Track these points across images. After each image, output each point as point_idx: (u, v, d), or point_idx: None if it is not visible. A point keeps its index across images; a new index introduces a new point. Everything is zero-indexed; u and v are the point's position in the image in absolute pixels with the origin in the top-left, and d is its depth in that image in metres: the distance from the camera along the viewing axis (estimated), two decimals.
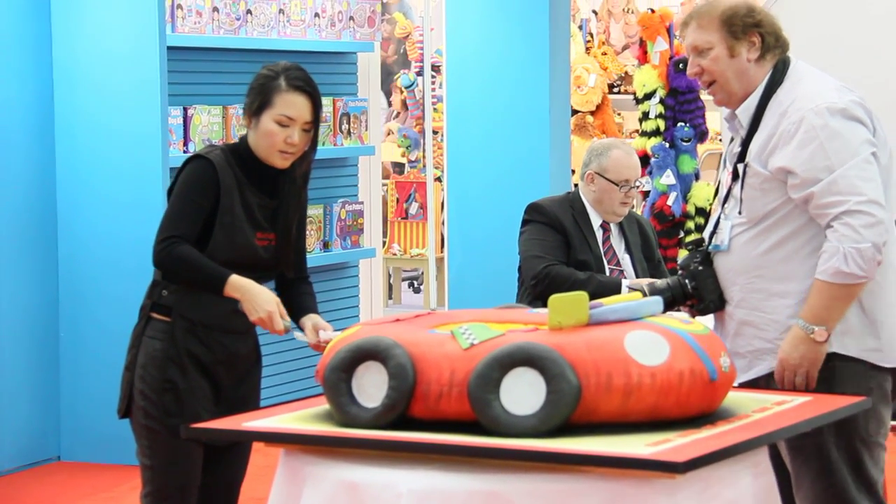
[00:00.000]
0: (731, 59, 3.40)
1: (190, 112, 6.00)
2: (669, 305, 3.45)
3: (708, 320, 3.53)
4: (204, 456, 3.61)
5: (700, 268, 3.44)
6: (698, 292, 3.44)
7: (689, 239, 7.80)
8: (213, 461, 3.64)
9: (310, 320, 3.58)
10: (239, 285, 3.46)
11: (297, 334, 3.52)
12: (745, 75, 3.41)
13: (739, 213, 3.40)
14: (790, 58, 3.45)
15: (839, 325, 3.32)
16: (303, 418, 2.93)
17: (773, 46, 3.42)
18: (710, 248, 3.46)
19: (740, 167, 3.40)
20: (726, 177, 3.48)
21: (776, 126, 3.35)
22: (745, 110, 3.43)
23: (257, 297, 3.45)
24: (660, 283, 3.50)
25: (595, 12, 11.37)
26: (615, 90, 10.67)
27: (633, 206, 5.08)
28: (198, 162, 3.53)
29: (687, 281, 3.45)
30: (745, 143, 3.41)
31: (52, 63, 5.95)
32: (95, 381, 5.83)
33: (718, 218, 3.47)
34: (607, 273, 4.88)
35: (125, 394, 3.59)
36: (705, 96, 8.48)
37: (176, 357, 3.53)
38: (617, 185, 4.89)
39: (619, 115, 10.70)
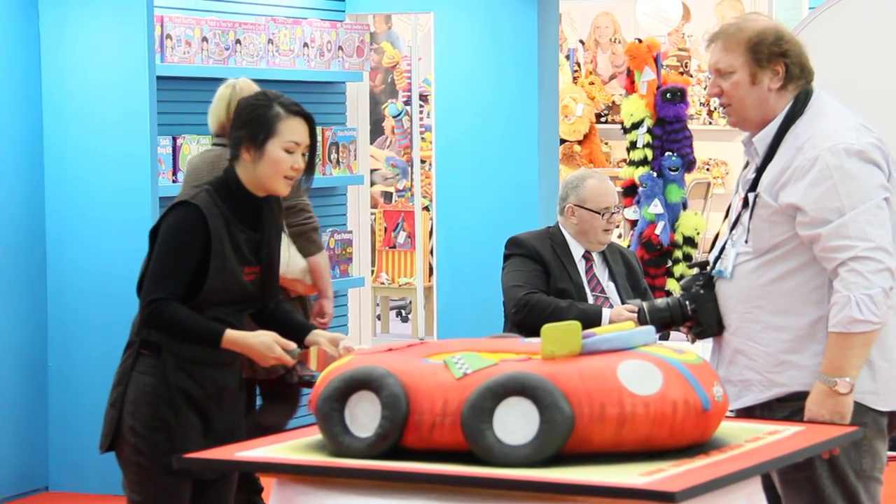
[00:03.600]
0: (752, 87, 3.35)
1: (179, 141, 6.00)
2: (667, 326, 3.45)
3: (707, 344, 3.52)
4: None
5: (702, 291, 3.42)
6: (697, 315, 3.42)
7: (677, 268, 7.82)
8: (199, 495, 3.62)
9: (321, 336, 3.56)
10: (235, 340, 3.48)
11: (300, 370, 3.51)
12: (765, 104, 3.36)
13: (746, 241, 3.36)
14: (814, 88, 3.41)
15: None
16: (296, 448, 2.92)
17: (796, 77, 3.36)
18: (714, 272, 3.43)
19: (751, 196, 3.37)
20: (737, 202, 3.45)
21: (791, 160, 3.31)
22: (763, 139, 3.39)
23: (257, 346, 3.47)
24: (660, 302, 3.48)
25: (582, 42, 11.42)
26: (603, 120, 10.71)
27: (618, 230, 5.13)
28: (184, 209, 3.50)
29: (687, 302, 3.43)
30: (759, 172, 3.38)
31: (41, 92, 5.95)
32: (84, 411, 5.81)
33: (725, 243, 3.44)
34: (591, 302, 4.92)
35: (109, 430, 3.57)
36: (693, 126, 8.52)
37: (167, 394, 3.52)
38: (598, 213, 4.95)
39: (606, 144, 10.74)
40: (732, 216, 3.45)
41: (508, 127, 7.01)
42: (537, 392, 2.70)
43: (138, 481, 3.54)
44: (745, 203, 3.39)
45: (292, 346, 3.48)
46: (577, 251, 5.01)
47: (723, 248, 3.43)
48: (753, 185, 3.37)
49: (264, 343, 3.46)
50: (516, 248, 5.01)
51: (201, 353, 3.53)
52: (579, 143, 10.45)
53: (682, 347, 2.99)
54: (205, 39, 6.13)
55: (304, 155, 3.56)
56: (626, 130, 7.94)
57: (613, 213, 4.98)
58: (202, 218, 3.48)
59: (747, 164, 3.49)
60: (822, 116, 3.36)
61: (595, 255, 5.06)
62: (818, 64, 3.47)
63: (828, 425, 3.17)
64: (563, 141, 10.18)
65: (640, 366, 2.77)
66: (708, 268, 3.46)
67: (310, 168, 3.58)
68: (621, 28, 11.35)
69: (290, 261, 4.92)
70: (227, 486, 3.69)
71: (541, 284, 4.91)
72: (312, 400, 2.91)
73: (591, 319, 4.61)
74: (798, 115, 3.35)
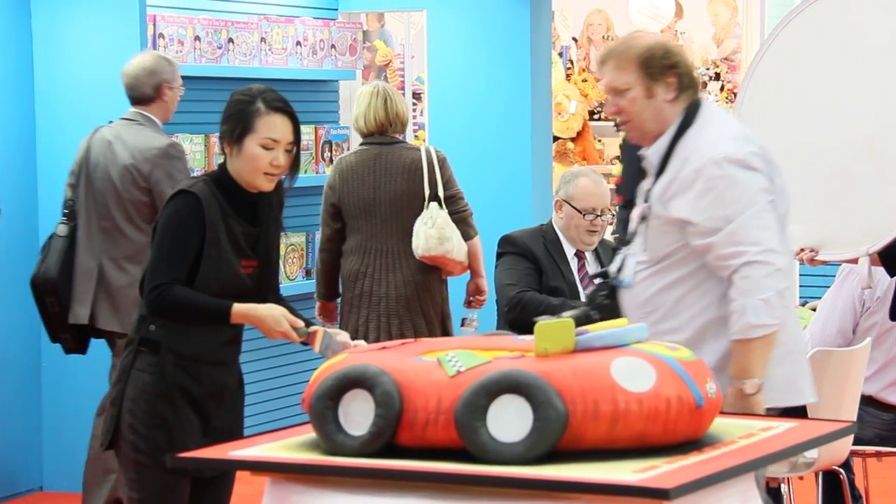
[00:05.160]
0: (648, 100, 3.46)
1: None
2: None
3: None
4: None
5: (606, 301, 3.54)
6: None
7: None
8: (198, 492, 3.62)
9: (338, 335, 3.55)
10: (244, 312, 3.48)
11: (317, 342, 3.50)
12: (661, 115, 3.47)
13: (644, 250, 3.49)
14: (701, 99, 3.52)
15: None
16: (289, 447, 2.92)
17: (687, 87, 3.47)
18: (616, 282, 3.54)
19: (646, 207, 3.48)
20: (636, 213, 3.55)
21: (678, 171, 3.43)
22: (656, 151, 3.50)
23: (266, 319, 3.47)
24: (567, 314, 3.55)
25: (575, 39, 11.42)
26: (596, 117, 10.70)
27: (611, 227, 5.13)
28: (182, 198, 3.52)
29: (593, 313, 3.53)
30: (654, 183, 3.48)
31: (34, 91, 5.94)
32: (78, 411, 5.80)
33: (626, 254, 3.54)
34: (583, 299, 4.92)
35: (110, 427, 3.57)
36: None
37: (166, 392, 3.52)
38: (581, 213, 4.93)
39: (599, 141, 10.74)
40: (633, 227, 3.54)
41: (501, 124, 7.00)
42: (531, 389, 2.70)
43: (137, 479, 3.54)
44: (643, 214, 3.49)
45: (300, 324, 3.50)
46: (569, 249, 5.01)
47: (624, 259, 3.53)
48: (648, 196, 3.47)
49: (273, 316, 3.47)
50: (509, 247, 5.01)
51: (202, 350, 3.54)
52: (573, 140, 10.45)
53: (675, 344, 2.99)
54: (197, 38, 6.13)
55: (288, 152, 3.55)
56: (618, 127, 7.94)
57: (599, 216, 4.95)
58: (199, 206, 3.49)
59: (646, 175, 3.56)
60: (707, 127, 3.46)
61: (587, 254, 5.06)
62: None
63: (822, 421, 3.18)
64: (556, 138, 10.18)
65: (633, 363, 2.77)
66: (610, 278, 3.55)
67: (294, 166, 3.57)
68: (614, 25, 11.34)
69: (459, 244, 5.27)
70: (225, 484, 3.69)
71: (533, 283, 4.91)
72: (306, 398, 2.90)
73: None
74: (688, 126, 3.46)
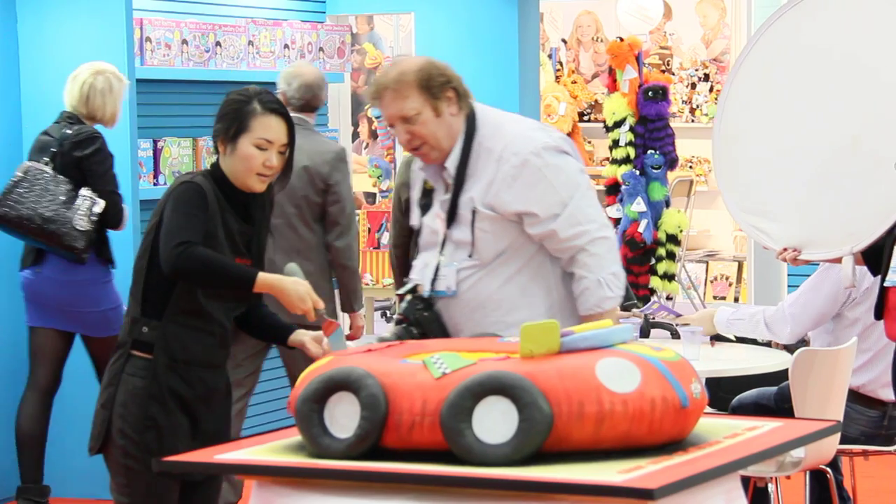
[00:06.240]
0: (438, 119, 3.55)
1: (160, 144, 6.00)
2: None
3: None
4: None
5: (425, 314, 3.61)
6: (426, 337, 3.57)
7: (660, 266, 7.82)
8: (187, 495, 3.62)
9: (305, 335, 3.58)
10: (269, 282, 3.48)
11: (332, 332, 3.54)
12: (452, 129, 3.58)
13: (470, 256, 3.57)
14: (473, 105, 3.62)
15: None
16: (275, 450, 2.92)
17: (464, 96, 3.59)
18: (433, 294, 3.62)
19: (466, 214, 3.56)
20: (438, 224, 3.63)
21: (496, 171, 3.54)
22: (453, 161, 3.59)
23: (291, 292, 3.48)
24: (387, 335, 3.61)
25: (564, 41, 11.43)
26: (585, 118, 10.72)
27: None
28: (189, 185, 3.52)
29: (412, 328, 3.60)
30: (457, 192, 3.58)
31: (20, 95, 5.93)
32: (66, 416, 5.80)
33: (437, 265, 3.61)
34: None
35: (100, 431, 3.57)
36: (675, 124, 8.53)
37: (158, 394, 3.52)
38: None
39: (589, 143, 10.75)
40: (434, 238, 3.63)
41: None
42: (516, 391, 2.70)
43: (127, 484, 3.54)
44: (450, 222, 3.58)
45: (321, 305, 3.51)
46: None
47: (437, 271, 3.60)
48: (453, 206, 3.57)
49: (298, 292, 3.48)
50: None
51: (194, 353, 3.54)
52: None
53: (661, 345, 3.00)
54: (185, 42, 6.13)
55: (281, 154, 3.56)
56: (608, 129, 7.95)
57: None
58: (204, 195, 3.50)
59: (432, 190, 3.65)
60: (504, 125, 3.61)
61: None
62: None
63: (807, 420, 3.18)
64: None
65: (618, 363, 2.77)
66: (420, 292, 3.63)
67: (287, 168, 3.59)
68: (603, 27, 11.36)
69: None
70: (213, 486, 3.69)
71: None
72: (291, 401, 2.90)
73: None
74: (475, 132, 3.58)
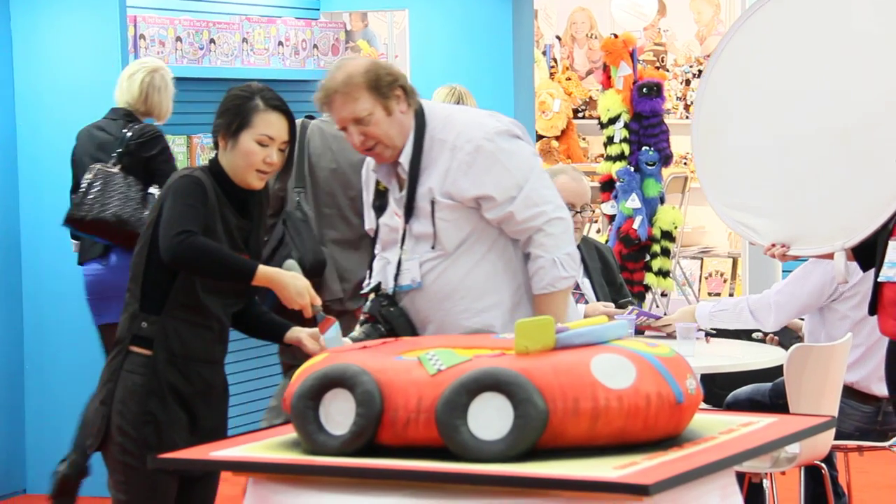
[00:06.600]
0: (390, 118, 3.60)
1: None
2: None
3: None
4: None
5: (391, 309, 3.66)
6: (394, 333, 3.61)
7: (655, 262, 7.83)
8: (184, 492, 3.62)
9: (301, 332, 3.58)
10: (269, 276, 3.49)
11: (326, 327, 3.55)
12: (403, 127, 3.63)
13: (432, 248, 3.63)
14: (420, 101, 3.67)
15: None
16: (270, 447, 2.92)
17: (411, 93, 3.65)
18: (398, 289, 3.66)
19: (425, 206, 3.60)
20: (397, 221, 3.67)
21: (450, 160, 3.60)
22: (406, 156, 3.63)
23: (290, 287, 3.49)
24: (355, 334, 3.64)
25: (559, 38, 11.43)
26: (580, 115, 10.72)
27: (596, 225, 5.12)
28: (188, 178, 3.53)
29: (380, 326, 3.64)
30: (412, 187, 3.62)
31: (14, 94, 5.93)
32: (61, 414, 5.80)
33: (399, 261, 3.65)
34: None
35: (99, 428, 3.56)
36: (669, 120, 8.53)
37: (157, 390, 3.52)
38: None
39: (583, 139, 10.75)
40: (394, 235, 3.67)
41: None
42: (511, 387, 2.70)
43: (125, 481, 3.54)
44: (408, 216, 3.63)
45: (319, 301, 3.53)
46: None
47: (399, 266, 3.64)
48: (410, 200, 3.62)
49: (296, 286, 3.49)
50: None
51: (193, 349, 3.54)
52: (557, 138, 10.47)
53: (656, 341, 3.00)
54: (179, 39, 6.12)
55: (282, 151, 3.57)
56: (602, 125, 7.95)
57: (578, 213, 4.96)
58: (203, 189, 3.51)
59: (386, 190, 3.70)
60: (453, 117, 3.67)
61: None
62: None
63: (802, 416, 3.19)
64: (540, 137, 10.19)
65: (613, 360, 2.77)
66: (384, 289, 3.67)
67: (287, 165, 3.60)
68: (597, 24, 11.36)
69: None
70: (211, 483, 3.70)
71: None
72: (287, 398, 2.90)
73: None
74: (425, 126, 3.64)
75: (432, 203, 3.61)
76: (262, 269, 3.48)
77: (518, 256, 3.67)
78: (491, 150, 3.60)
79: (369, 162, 3.76)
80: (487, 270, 3.64)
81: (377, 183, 3.75)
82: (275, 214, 5.19)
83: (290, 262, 3.52)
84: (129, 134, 5.36)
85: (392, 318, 3.64)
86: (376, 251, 3.76)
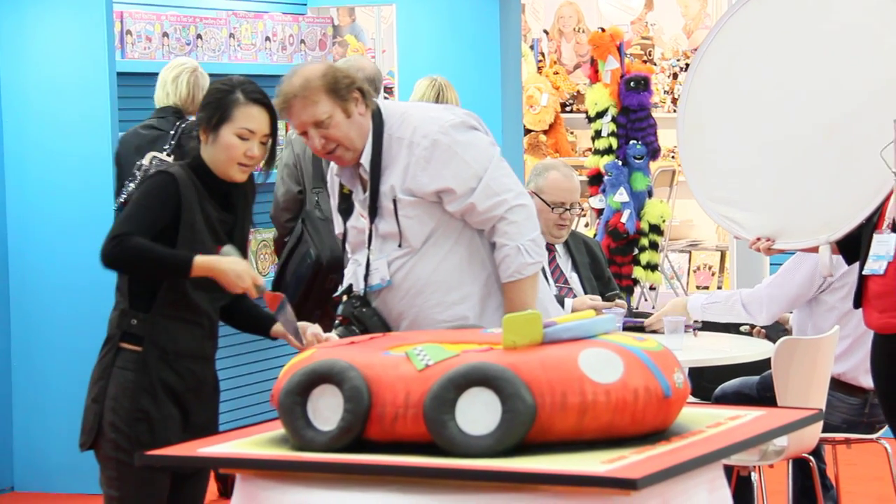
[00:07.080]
0: (349, 121, 3.64)
1: None
2: None
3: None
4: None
5: (364, 310, 3.70)
6: (368, 332, 3.62)
7: (643, 256, 7.84)
8: (176, 488, 3.62)
9: (309, 328, 3.57)
10: (207, 264, 3.47)
11: (281, 320, 3.54)
12: (363, 129, 3.68)
13: (399, 245, 3.67)
14: (376, 103, 3.72)
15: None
16: (258, 443, 2.92)
17: (368, 95, 3.69)
18: (369, 289, 3.70)
19: (388, 204, 3.64)
20: (362, 223, 3.71)
21: (409, 157, 3.65)
22: (366, 156, 3.67)
23: (229, 272, 3.47)
24: (333, 335, 3.64)
25: (546, 32, 11.43)
26: (567, 109, 10.72)
27: (572, 228, 5.11)
28: (160, 176, 3.53)
29: (354, 327, 3.68)
30: (375, 187, 3.66)
31: (0, 88, 5.91)
32: (49, 411, 5.79)
33: (367, 261, 3.69)
34: (554, 292, 4.93)
35: (92, 426, 3.55)
36: (657, 114, 8.54)
37: (149, 386, 3.52)
38: (550, 206, 4.93)
39: (571, 133, 10.75)
40: (360, 237, 3.71)
41: None
42: (499, 382, 2.70)
43: (117, 477, 3.54)
44: (373, 216, 3.67)
45: (261, 281, 3.51)
46: None
47: (368, 266, 3.69)
48: (374, 199, 3.66)
49: (236, 271, 3.47)
50: None
51: (184, 345, 3.54)
52: (545, 132, 10.47)
53: (643, 335, 3.00)
54: (165, 35, 6.11)
55: (263, 144, 3.57)
56: (590, 119, 7.95)
57: (567, 210, 4.96)
58: (176, 185, 3.50)
59: (349, 193, 3.74)
60: (409, 114, 3.71)
61: (558, 246, 5.06)
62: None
63: (789, 409, 3.19)
64: (528, 131, 10.19)
65: (600, 354, 2.77)
66: (354, 290, 3.72)
67: (269, 159, 3.59)
68: (585, 17, 11.36)
69: None
70: (202, 479, 3.70)
71: None
72: (274, 394, 2.90)
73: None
74: (383, 126, 3.68)
75: (395, 201, 3.65)
76: (199, 260, 3.45)
77: (485, 247, 3.70)
78: (447, 143, 3.64)
79: (333, 167, 3.78)
80: (455, 263, 3.67)
81: (341, 187, 3.78)
82: (294, 217, 5.23)
83: (228, 248, 3.50)
84: (185, 125, 5.35)
85: (365, 319, 3.68)
86: (347, 255, 3.78)
